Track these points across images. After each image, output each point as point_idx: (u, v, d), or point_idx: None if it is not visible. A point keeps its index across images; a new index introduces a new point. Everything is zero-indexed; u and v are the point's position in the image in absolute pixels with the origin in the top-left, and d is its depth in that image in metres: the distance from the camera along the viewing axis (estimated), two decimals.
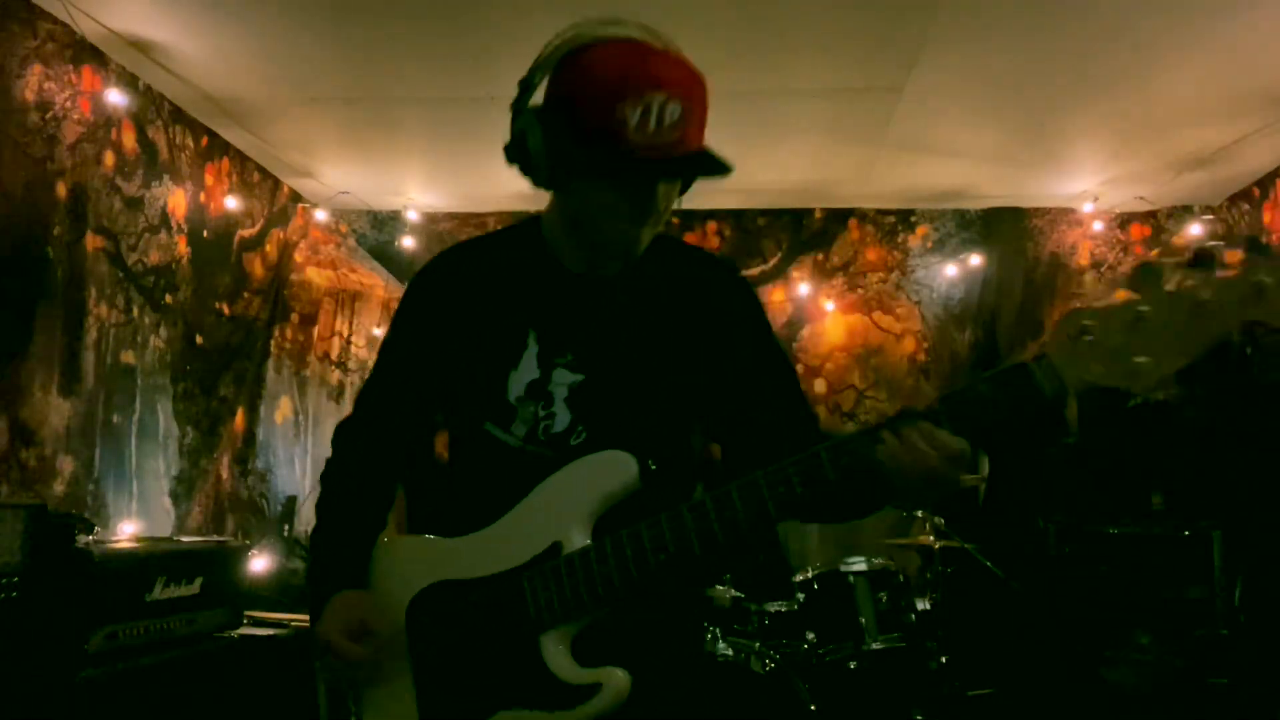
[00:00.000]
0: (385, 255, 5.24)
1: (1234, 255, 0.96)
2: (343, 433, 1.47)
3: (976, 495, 4.62)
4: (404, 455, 1.45)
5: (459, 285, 1.40)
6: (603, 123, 1.16)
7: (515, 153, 1.29)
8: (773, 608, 3.55)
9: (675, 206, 1.34)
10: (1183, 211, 4.89)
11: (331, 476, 1.45)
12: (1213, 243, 1.00)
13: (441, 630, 1.32)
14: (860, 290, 5.08)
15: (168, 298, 3.88)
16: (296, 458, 4.91)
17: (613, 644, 1.23)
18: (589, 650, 1.24)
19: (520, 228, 1.43)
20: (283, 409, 4.86)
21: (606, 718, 1.19)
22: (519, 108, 1.29)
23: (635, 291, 1.35)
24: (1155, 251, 4.77)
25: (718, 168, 1.22)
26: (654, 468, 1.25)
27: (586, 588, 1.21)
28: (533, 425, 1.32)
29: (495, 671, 1.27)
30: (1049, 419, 4.14)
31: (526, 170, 1.29)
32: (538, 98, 1.30)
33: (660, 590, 1.26)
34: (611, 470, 1.25)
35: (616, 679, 1.19)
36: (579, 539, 1.25)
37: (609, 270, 1.36)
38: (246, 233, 4.54)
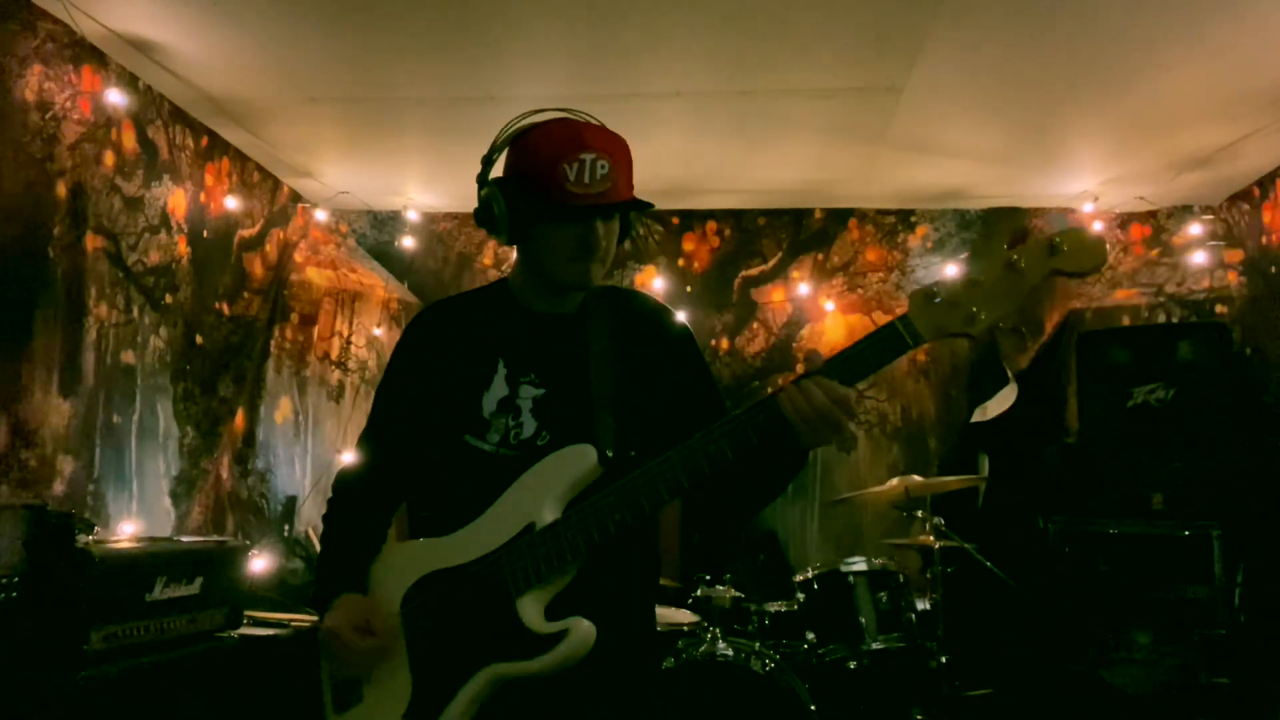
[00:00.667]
0: (385, 255, 5.24)
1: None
2: (343, 475, 1.72)
3: (976, 495, 4.63)
4: (398, 490, 1.69)
5: (441, 333, 1.67)
6: (548, 180, 1.47)
7: (483, 216, 1.59)
8: (773, 608, 3.55)
9: (621, 245, 1.64)
10: (1183, 211, 4.89)
11: (333, 511, 1.68)
12: (1024, 225, 1.34)
13: (431, 611, 1.51)
14: (860, 290, 5.08)
15: (168, 298, 3.88)
16: (296, 458, 4.91)
17: (584, 607, 1.42)
18: (561, 613, 1.43)
19: (492, 286, 1.73)
20: (283, 409, 4.86)
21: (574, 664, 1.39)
22: (482, 180, 1.60)
23: (586, 322, 1.63)
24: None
25: (641, 206, 1.55)
26: (611, 455, 1.48)
27: (556, 553, 1.42)
28: (504, 433, 1.56)
29: (479, 636, 1.46)
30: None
31: (493, 231, 1.58)
32: (497, 171, 1.60)
33: (624, 549, 1.49)
34: (574, 459, 1.47)
35: (583, 626, 1.39)
36: (549, 518, 1.45)
37: (566, 308, 1.64)
38: (246, 233, 4.53)
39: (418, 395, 1.64)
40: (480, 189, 1.60)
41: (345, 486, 1.70)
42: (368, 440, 1.70)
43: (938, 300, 1.34)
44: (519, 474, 1.50)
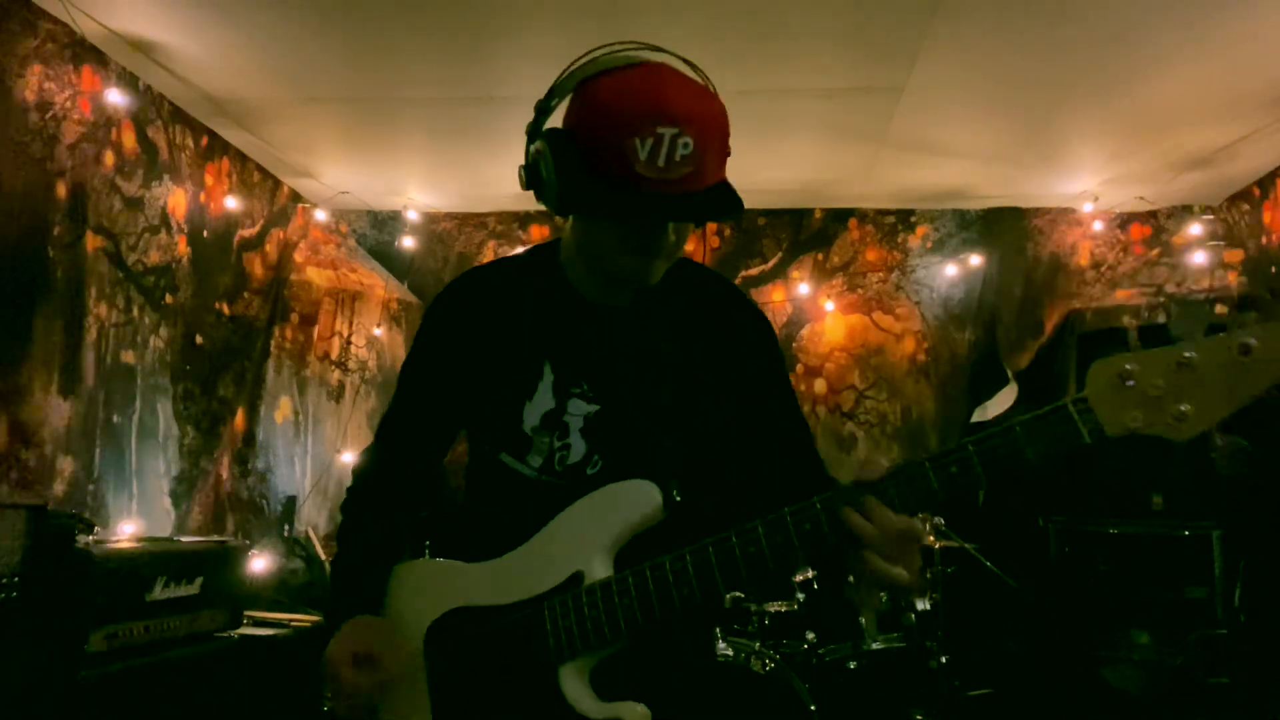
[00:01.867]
0: (385, 255, 5.24)
1: None
2: (364, 462, 1.49)
3: (976, 495, 4.62)
4: (425, 483, 1.47)
5: (477, 311, 1.39)
6: (611, 156, 1.13)
7: (529, 178, 1.27)
8: (773, 608, 3.55)
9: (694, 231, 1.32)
10: (1183, 211, 4.89)
11: (352, 505, 1.47)
12: (1272, 289, 0.99)
13: (460, 656, 1.32)
14: (860, 290, 5.08)
15: (168, 298, 3.88)
16: (296, 458, 4.91)
17: (632, 676, 1.24)
18: (608, 682, 1.24)
19: (539, 252, 1.43)
20: (283, 409, 4.86)
21: None
22: (534, 132, 1.26)
23: (650, 320, 1.35)
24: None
25: (729, 207, 1.20)
26: (679, 498, 1.25)
27: (608, 621, 1.21)
28: (548, 456, 1.33)
29: (513, 701, 1.27)
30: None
31: (539, 195, 1.27)
32: (555, 121, 1.27)
33: (681, 624, 1.25)
34: (635, 499, 1.24)
35: (637, 715, 1.19)
36: (601, 570, 1.24)
37: (623, 299, 1.36)
38: (246, 233, 4.54)
39: (448, 389, 1.40)
40: (530, 142, 1.26)
41: (364, 483, 1.47)
42: (389, 432, 1.47)
43: (1131, 384, 1.00)
44: (563, 504, 1.28)
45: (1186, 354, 0.98)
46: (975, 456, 1.06)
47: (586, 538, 1.25)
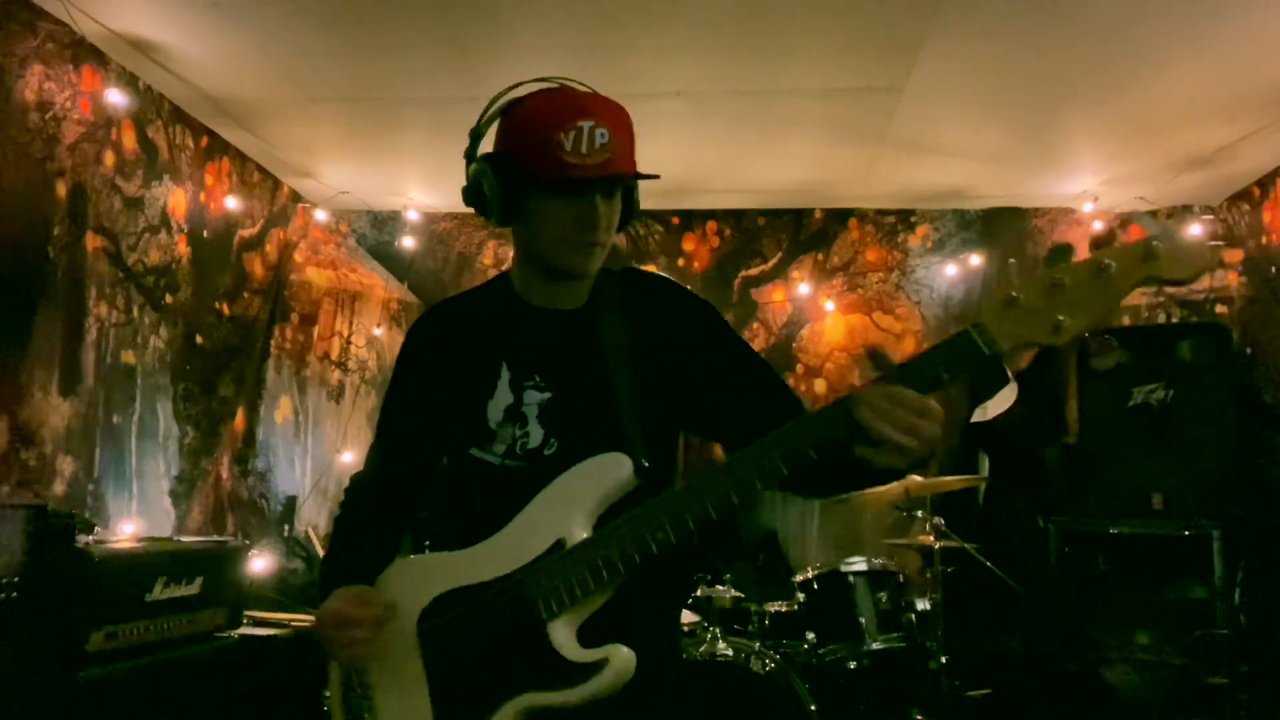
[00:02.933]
0: (385, 255, 5.24)
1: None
2: (353, 485, 1.63)
3: (976, 495, 4.63)
4: (409, 502, 1.59)
5: (444, 337, 1.56)
6: (543, 150, 1.34)
7: (472, 195, 1.46)
8: (773, 608, 3.55)
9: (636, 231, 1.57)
10: (1183, 211, 4.89)
11: (340, 525, 1.60)
12: (1111, 225, 1.19)
13: (453, 632, 1.40)
14: (860, 290, 5.08)
15: (168, 298, 3.88)
16: (296, 458, 4.91)
17: (616, 631, 1.32)
18: (593, 638, 1.32)
19: (493, 282, 1.61)
20: (283, 409, 4.86)
21: (613, 694, 1.28)
22: (470, 155, 1.47)
23: (593, 317, 1.50)
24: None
25: (645, 176, 1.42)
26: (647, 465, 1.35)
27: (591, 573, 1.31)
28: (510, 444, 1.46)
29: (506, 662, 1.35)
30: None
31: (482, 210, 1.45)
32: (487, 146, 1.48)
33: (660, 570, 1.34)
34: (607, 470, 1.36)
35: (622, 655, 1.28)
36: (580, 534, 1.34)
37: (568, 303, 1.51)
38: (246, 233, 4.54)
39: (422, 406, 1.55)
40: (468, 165, 1.47)
41: (354, 498, 1.61)
42: (376, 452, 1.61)
43: (1017, 306, 1.20)
44: (528, 485, 1.39)
45: (1057, 277, 1.19)
46: (896, 380, 1.20)
47: (566, 510, 1.36)
